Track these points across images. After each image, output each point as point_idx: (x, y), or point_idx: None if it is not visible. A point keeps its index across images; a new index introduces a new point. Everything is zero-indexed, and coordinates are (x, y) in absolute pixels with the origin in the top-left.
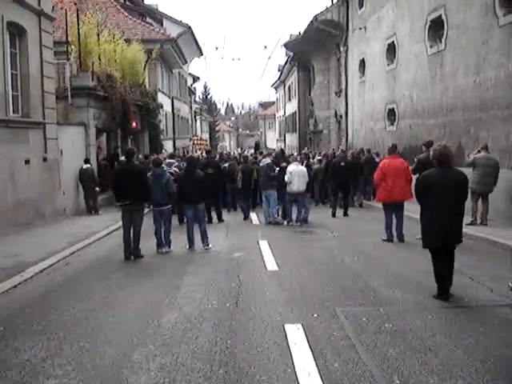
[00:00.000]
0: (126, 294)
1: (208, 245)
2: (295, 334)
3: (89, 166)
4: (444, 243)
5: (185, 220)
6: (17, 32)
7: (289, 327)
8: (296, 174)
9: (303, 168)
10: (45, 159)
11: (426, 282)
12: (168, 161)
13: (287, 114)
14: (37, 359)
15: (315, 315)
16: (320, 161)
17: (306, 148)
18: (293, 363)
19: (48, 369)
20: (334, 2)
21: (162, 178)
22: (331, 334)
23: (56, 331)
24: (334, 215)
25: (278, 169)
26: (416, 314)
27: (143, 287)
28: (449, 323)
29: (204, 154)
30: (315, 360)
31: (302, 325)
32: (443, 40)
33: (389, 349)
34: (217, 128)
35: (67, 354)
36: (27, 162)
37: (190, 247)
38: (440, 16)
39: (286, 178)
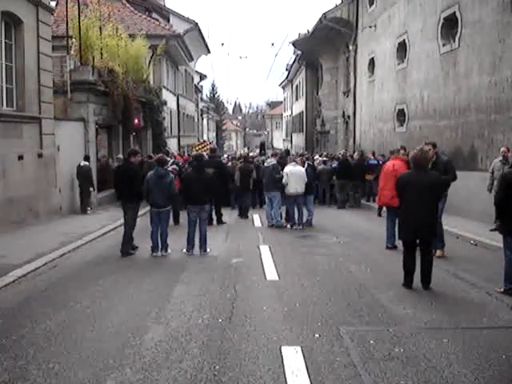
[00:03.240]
0: (110, 304)
1: (206, 250)
2: (293, 358)
3: (86, 163)
4: (416, 236)
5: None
6: (12, 22)
7: (286, 350)
8: (293, 175)
9: (301, 169)
10: (40, 155)
11: (441, 298)
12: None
13: (294, 113)
14: None
15: (316, 335)
16: (324, 162)
17: (304, 152)
18: None
19: None
20: (344, 0)
21: (164, 178)
22: (334, 360)
23: (26, 348)
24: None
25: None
26: (430, 336)
27: (130, 296)
28: (467, 349)
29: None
30: None
31: (302, 348)
32: (457, 38)
33: (400, 381)
34: (224, 127)
35: (32, 377)
36: (20, 157)
37: (188, 250)
38: (454, 13)
39: (283, 179)
